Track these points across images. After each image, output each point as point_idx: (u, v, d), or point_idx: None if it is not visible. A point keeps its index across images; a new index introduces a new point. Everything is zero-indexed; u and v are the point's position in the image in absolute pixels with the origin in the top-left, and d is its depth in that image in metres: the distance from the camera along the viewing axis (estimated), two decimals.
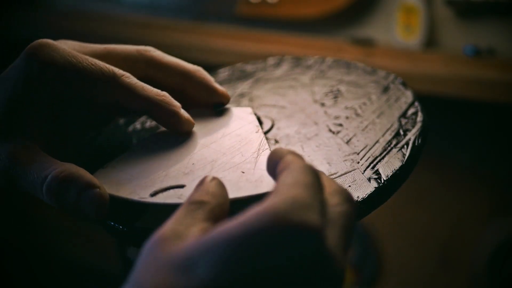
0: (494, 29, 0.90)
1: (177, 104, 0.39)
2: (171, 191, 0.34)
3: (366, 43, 0.98)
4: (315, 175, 0.28)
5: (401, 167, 0.36)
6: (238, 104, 0.46)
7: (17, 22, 1.28)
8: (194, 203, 0.28)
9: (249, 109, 0.43)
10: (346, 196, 0.28)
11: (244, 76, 0.52)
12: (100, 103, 0.38)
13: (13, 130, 0.35)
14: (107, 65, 0.37)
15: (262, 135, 0.39)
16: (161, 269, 0.25)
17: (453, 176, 1.03)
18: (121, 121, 0.48)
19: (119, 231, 0.35)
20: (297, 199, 0.25)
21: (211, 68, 0.53)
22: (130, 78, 0.38)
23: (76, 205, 0.33)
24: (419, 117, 0.41)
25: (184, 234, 0.26)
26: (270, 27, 1.09)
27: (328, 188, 0.28)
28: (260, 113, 0.45)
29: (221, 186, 0.30)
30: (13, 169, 0.34)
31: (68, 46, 0.38)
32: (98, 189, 0.33)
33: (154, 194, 0.34)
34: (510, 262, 1.00)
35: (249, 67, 0.53)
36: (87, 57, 0.37)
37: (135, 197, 0.34)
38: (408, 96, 0.44)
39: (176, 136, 0.40)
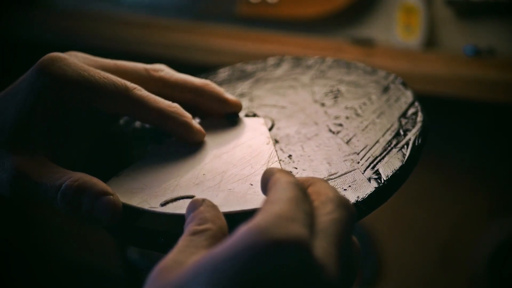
0: (494, 29, 0.90)
1: (188, 115, 0.39)
2: (181, 201, 0.35)
3: (366, 43, 0.98)
4: (299, 189, 0.28)
5: (401, 167, 0.36)
6: None
7: (17, 22, 1.28)
8: (195, 233, 0.28)
9: (261, 120, 0.43)
10: (339, 202, 0.28)
11: (244, 76, 0.52)
12: (112, 116, 0.39)
13: (22, 143, 0.36)
14: (119, 79, 0.38)
15: (273, 147, 0.39)
16: None
17: (453, 176, 1.03)
18: (121, 121, 0.48)
19: (119, 231, 0.35)
20: (279, 214, 0.25)
21: (211, 68, 0.53)
22: (142, 91, 0.38)
23: (90, 212, 0.34)
24: (419, 117, 0.41)
25: (185, 262, 0.26)
26: (270, 27, 1.09)
27: (322, 197, 0.28)
28: (260, 113, 0.45)
29: (215, 208, 0.31)
30: (23, 180, 0.35)
31: (79, 60, 0.39)
32: (111, 197, 0.34)
33: (164, 204, 0.35)
34: (510, 262, 1.00)
35: (249, 67, 0.53)
36: (99, 71, 0.38)
37: (146, 206, 0.35)
38: (408, 96, 0.44)
39: (195, 146, 0.40)
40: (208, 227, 0.29)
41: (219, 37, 1.08)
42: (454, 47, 0.93)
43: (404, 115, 0.41)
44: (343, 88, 0.47)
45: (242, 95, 0.49)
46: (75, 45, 0.49)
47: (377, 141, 0.39)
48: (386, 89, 0.45)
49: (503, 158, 0.99)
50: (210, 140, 0.41)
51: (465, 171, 1.02)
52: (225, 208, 0.33)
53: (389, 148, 0.38)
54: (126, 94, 0.38)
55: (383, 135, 0.39)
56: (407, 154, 0.37)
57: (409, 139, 0.38)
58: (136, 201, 0.35)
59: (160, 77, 0.41)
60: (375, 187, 0.34)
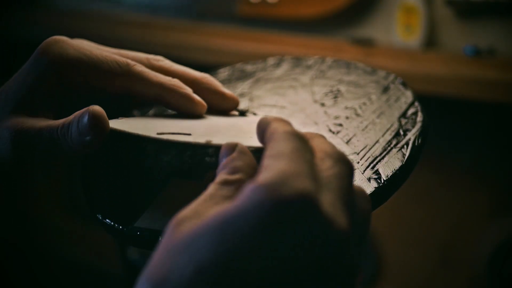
0: (494, 29, 0.90)
1: (188, 88, 0.41)
2: (178, 135, 0.36)
3: (366, 43, 0.98)
4: (299, 140, 0.27)
5: (401, 167, 0.36)
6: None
7: (17, 22, 1.28)
8: (224, 183, 0.28)
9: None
10: (337, 157, 0.28)
11: (244, 76, 0.52)
12: (113, 93, 0.39)
13: (23, 113, 0.37)
14: (121, 57, 0.40)
15: None
16: (170, 250, 0.25)
17: (453, 176, 1.03)
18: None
19: (119, 231, 0.35)
20: (284, 169, 0.25)
21: (211, 68, 0.53)
22: (142, 67, 0.40)
23: (79, 133, 0.35)
24: (419, 117, 0.41)
25: (205, 213, 0.26)
26: (270, 27, 1.09)
27: (318, 153, 0.28)
28: (260, 113, 0.45)
29: (248, 155, 0.30)
30: (24, 133, 0.36)
31: (82, 43, 0.40)
32: (91, 109, 0.35)
33: (160, 134, 0.35)
34: (510, 262, 1.00)
35: (249, 67, 0.53)
36: (101, 50, 0.40)
37: (140, 132, 0.35)
38: (408, 96, 0.44)
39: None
40: (240, 178, 0.28)
41: (219, 37, 1.08)
42: (454, 47, 0.93)
43: (404, 115, 0.41)
44: (343, 88, 0.47)
45: (242, 95, 0.49)
46: None
47: (377, 141, 0.39)
48: (386, 89, 0.45)
49: (503, 158, 0.99)
50: (212, 118, 0.42)
51: (465, 171, 1.02)
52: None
53: (389, 148, 0.38)
54: (127, 69, 0.39)
55: (383, 135, 0.39)
56: (407, 154, 0.37)
57: (409, 139, 0.38)
58: (131, 129, 0.36)
59: (160, 66, 0.42)
60: (375, 187, 0.34)
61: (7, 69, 0.39)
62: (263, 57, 0.55)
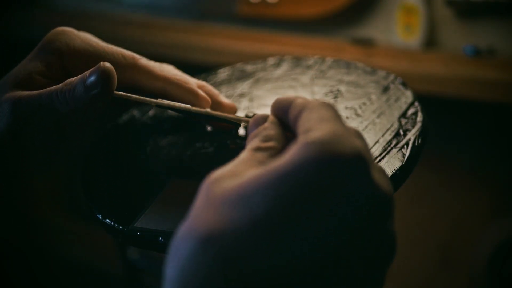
0: (494, 29, 0.90)
1: (193, 83, 0.41)
2: (178, 104, 0.37)
3: (366, 43, 0.98)
4: (334, 109, 0.28)
5: (401, 167, 0.36)
6: (238, 104, 0.46)
7: (17, 22, 1.28)
8: (259, 149, 0.28)
9: None
10: (354, 132, 0.28)
11: (244, 76, 0.52)
12: (118, 86, 0.39)
13: (17, 86, 0.38)
14: (127, 50, 0.40)
15: None
16: (215, 206, 0.25)
17: (453, 176, 1.03)
18: (121, 121, 0.48)
19: (119, 231, 0.35)
20: (335, 130, 0.25)
21: (211, 68, 0.53)
22: (148, 61, 0.41)
23: (85, 89, 0.36)
24: (419, 117, 0.40)
25: (243, 173, 0.26)
26: (270, 27, 1.09)
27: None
28: (259, 113, 0.45)
29: (279, 126, 0.30)
30: (24, 99, 0.36)
31: (90, 37, 0.41)
32: (102, 63, 0.36)
33: (162, 101, 0.37)
34: (510, 262, 1.00)
35: (249, 67, 0.53)
36: (107, 44, 0.40)
37: (144, 99, 0.37)
38: (408, 96, 0.44)
39: None
40: (273, 145, 0.28)
41: (219, 37, 1.08)
42: (454, 47, 0.93)
43: (404, 115, 0.41)
44: (343, 88, 0.47)
45: (242, 95, 0.49)
46: None
47: (377, 141, 0.39)
48: (386, 89, 0.45)
49: (503, 158, 0.99)
50: None
51: (465, 171, 1.02)
52: None
53: (389, 148, 0.38)
54: (132, 62, 0.40)
55: (383, 135, 0.39)
56: (407, 154, 0.37)
57: (409, 139, 0.38)
58: (134, 97, 0.37)
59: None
60: None
61: (7, 69, 0.39)
62: (263, 57, 0.55)
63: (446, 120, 1.00)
